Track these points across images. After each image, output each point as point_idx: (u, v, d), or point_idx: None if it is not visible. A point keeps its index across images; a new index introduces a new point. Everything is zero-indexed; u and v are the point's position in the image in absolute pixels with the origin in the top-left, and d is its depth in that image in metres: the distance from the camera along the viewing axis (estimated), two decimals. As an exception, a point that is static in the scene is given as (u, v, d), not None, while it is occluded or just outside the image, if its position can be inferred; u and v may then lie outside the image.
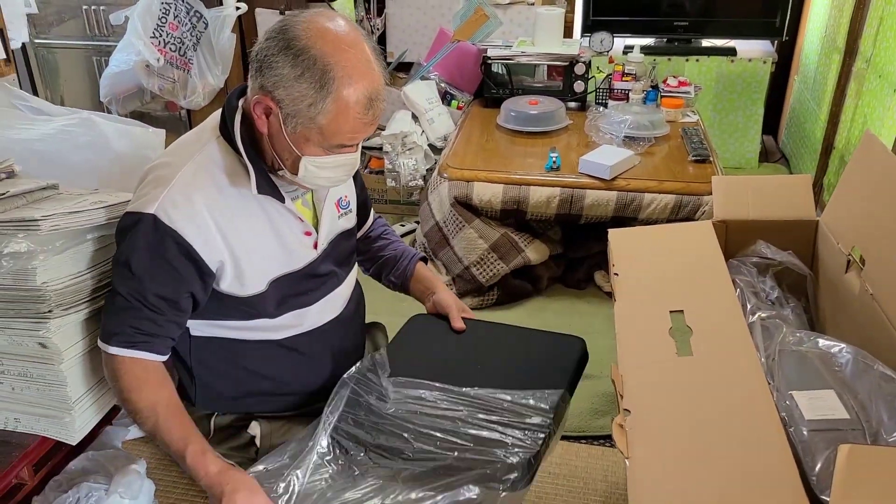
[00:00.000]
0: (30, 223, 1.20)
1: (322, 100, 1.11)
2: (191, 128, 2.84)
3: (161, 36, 2.64)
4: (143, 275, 1.19)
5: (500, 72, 2.98)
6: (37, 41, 2.92)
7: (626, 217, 2.36)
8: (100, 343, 1.24)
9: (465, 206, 2.44)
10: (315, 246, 1.35)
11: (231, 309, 1.30)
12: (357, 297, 1.53)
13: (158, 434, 1.21)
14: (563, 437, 1.90)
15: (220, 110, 1.27)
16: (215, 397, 1.42)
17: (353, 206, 1.47)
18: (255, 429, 1.38)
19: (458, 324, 1.46)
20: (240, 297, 1.29)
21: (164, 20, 2.64)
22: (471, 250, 2.45)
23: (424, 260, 1.60)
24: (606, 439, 1.90)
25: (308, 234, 1.33)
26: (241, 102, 1.24)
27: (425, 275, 1.56)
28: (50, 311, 1.26)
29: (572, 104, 2.96)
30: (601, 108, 2.80)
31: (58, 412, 1.35)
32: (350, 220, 1.46)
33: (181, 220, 1.18)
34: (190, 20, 2.67)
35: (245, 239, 1.24)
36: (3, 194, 1.26)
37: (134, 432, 1.77)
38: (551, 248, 2.55)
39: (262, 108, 1.16)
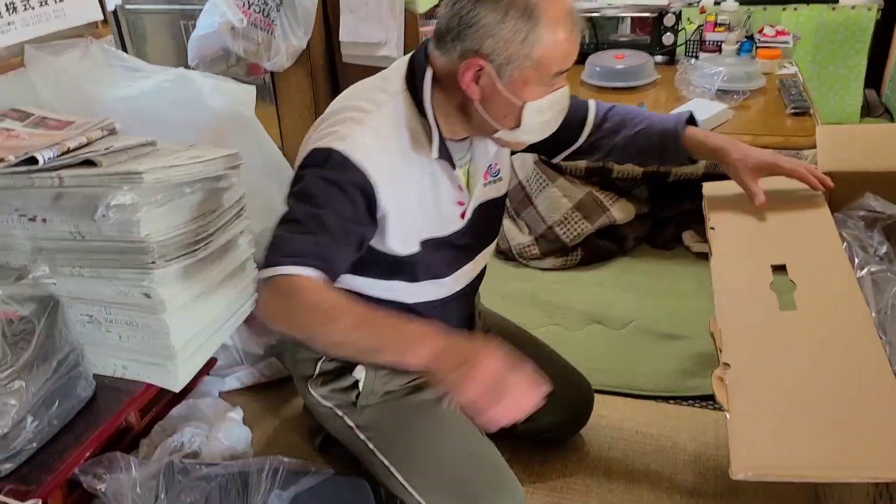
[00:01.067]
0: (134, 176, 1.25)
1: (533, 29, 1.09)
2: (274, 90, 2.88)
3: (245, -2, 2.67)
4: (324, 202, 1.12)
5: (584, 26, 2.90)
6: (127, 7, 3.00)
7: (717, 174, 2.27)
8: (265, 272, 1.09)
9: (548, 164, 2.40)
10: (462, 216, 1.33)
11: (377, 266, 1.29)
12: (482, 274, 1.52)
13: (365, 326, 1.05)
14: (652, 398, 1.87)
15: (404, 62, 1.25)
16: None
17: (505, 174, 1.43)
18: (360, 373, 1.39)
19: (816, 183, 1.32)
20: (393, 256, 1.27)
21: (248, -19, 2.67)
22: (554, 209, 2.41)
23: (692, 121, 1.45)
24: (696, 400, 1.86)
25: (461, 203, 1.32)
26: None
27: (698, 138, 1.41)
28: (153, 263, 1.31)
29: (660, 58, 2.85)
30: (692, 61, 2.69)
31: (162, 360, 1.41)
32: (499, 189, 1.41)
33: (368, 162, 1.15)
34: (273, -19, 2.69)
35: (411, 197, 1.23)
36: (108, 149, 1.31)
37: (230, 383, 1.84)
38: (637, 207, 2.48)
39: (472, 73, 1.13)
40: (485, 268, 1.52)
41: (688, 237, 2.52)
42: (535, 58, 1.11)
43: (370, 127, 1.17)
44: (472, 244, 1.39)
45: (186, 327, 1.43)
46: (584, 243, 2.45)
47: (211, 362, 1.64)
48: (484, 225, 1.39)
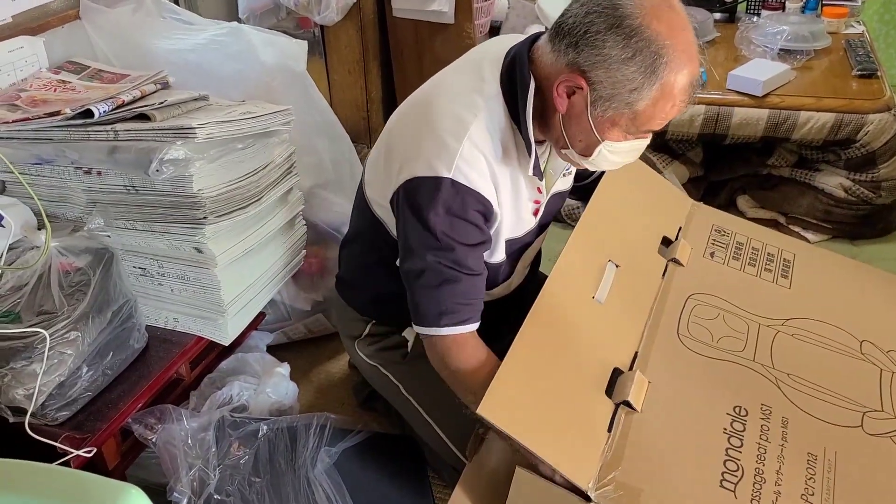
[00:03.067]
0: (187, 131, 1.24)
1: (649, 86, 1.02)
2: (324, 44, 2.86)
3: (295, -50, 2.62)
4: (454, 241, 1.12)
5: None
6: (178, -41, 2.99)
7: (777, 137, 2.20)
8: (424, 329, 1.17)
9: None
10: (535, 213, 1.30)
11: None
12: (537, 266, 1.51)
13: None
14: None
15: (500, 55, 1.17)
16: (382, 313, 1.44)
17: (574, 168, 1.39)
18: (409, 333, 1.40)
19: None
20: (487, 264, 1.24)
21: (297, -67, 2.62)
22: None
23: None
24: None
25: (537, 202, 1.28)
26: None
27: None
28: (205, 218, 1.32)
29: (720, 15, 2.75)
30: (754, 19, 2.59)
31: (212, 314, 1.43)
32: (568, 182, 1.38)
33: (479, 181, 1.13)
34: (323, -67, 2.64)
35: (502, 200, 1.20)
36: (162, 103, 1.31)
37: (277, 338, 1.86)
38: (691, 171, 2.42)
39: (567, 87, 1.08)
40: (539, 253, 1.51)
41: (742, 202, 2.46)
42: (635, 110, 1.05)
43: (471, 140, 1.12)
44: (535, 237, 1.37)
45: (236, 282, 1.44)
46: (634, 206, 2.40)
47: (259, 317, 1.65)
48: (549, 216, 1.37)
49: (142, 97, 1.36)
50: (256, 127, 1.38)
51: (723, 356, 1.14)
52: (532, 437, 0.94)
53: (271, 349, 1.81)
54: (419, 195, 1.12)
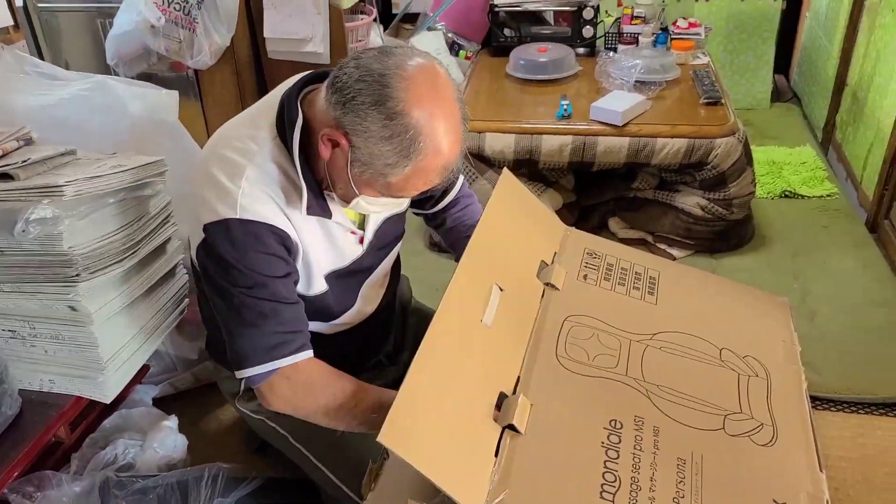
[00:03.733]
0: (54, 189, 1.22)
1: (402, 165, 1.07)
2: (199, 89, 2.83)
3: (164, -5, 2.60)
4: (262, 276, 1.13)
5: (507, 19, 2.94)
6: (39, 4, 2.89)
7: (638, 163, 2.36)
8: (259, 369, 1.15)
9: (477, 157, 2.43)
10: (361, 241, 1.32)
11: None
12: (394, 287, 1.52)
13: (381, 410, 1.10)
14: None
15: (276, 100, 1.19)
16: None
17: None
18: None
19: None
20: (303, 297, 1.25)
21: (166, -22, 2.60)
22: (484, 201, 2.45)
23: None
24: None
25: (354, 233, 1.30)
26: (300, 105, 1.15)
27: None
28: (78, 275, 1.29)
29: (581, 50, 2.92)
30: (611, 54, 2.77)
31: (91, 372, 1.39)
32: (402, 205, 1.39)
33: (267, 213, 1.14)
34: (192, -22, 2.63)
35: (304, 236, 1.21)
36: (25, 161, 1.28)
37: (164, 389, 1.81)
38: (565, 197, 2.55)
39: (330, 139, 1.10)
40: (395, 273, 1.52)
41: (613, 223, 2.61)
42: (388, 181, 1.10)
43: (249, 180, 1.14)
44: (375, 262, 1.39)
45: (116, 337, 1.41)
46: (513, 234, 2.50)
47: (143, 370, 1.61)
48: (386, 239, 1.39)
49: (3, 155, 1.32)
50: (128, 180, 1.37)
51: (599, 374, 1.19)
52: (429, 464, 0.95)
53: (158, 402, 1.77)
54: (215, 241, 1.13)
